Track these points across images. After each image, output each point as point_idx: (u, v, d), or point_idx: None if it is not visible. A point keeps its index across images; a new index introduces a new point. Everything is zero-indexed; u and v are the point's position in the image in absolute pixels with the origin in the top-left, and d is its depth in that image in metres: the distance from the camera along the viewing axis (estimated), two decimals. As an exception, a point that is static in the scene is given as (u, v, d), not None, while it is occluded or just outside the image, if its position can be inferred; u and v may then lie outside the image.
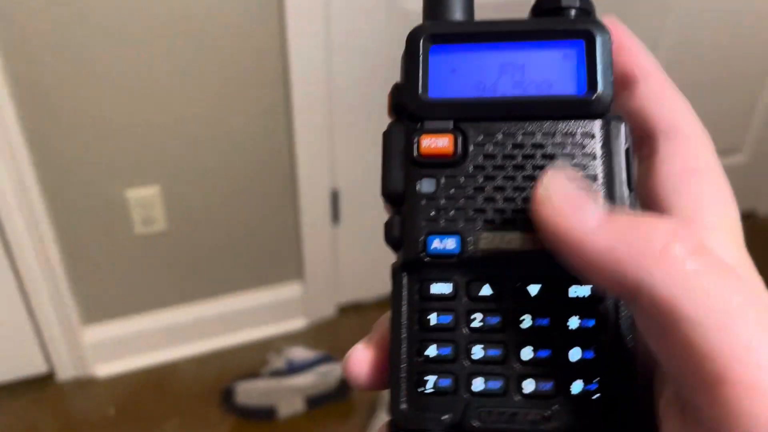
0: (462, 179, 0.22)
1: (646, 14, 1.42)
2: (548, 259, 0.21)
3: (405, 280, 0.23)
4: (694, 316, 0.17)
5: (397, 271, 0.23)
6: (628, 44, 0.23)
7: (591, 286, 0.22)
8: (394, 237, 0.23)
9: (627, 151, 0.22)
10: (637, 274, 0.17)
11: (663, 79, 0.23)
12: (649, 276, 0.17)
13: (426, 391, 0.22)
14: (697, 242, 0.18)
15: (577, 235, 0.19)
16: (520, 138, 0.22)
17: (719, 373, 0.16)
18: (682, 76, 1.41)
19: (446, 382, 0.22)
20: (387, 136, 0.24)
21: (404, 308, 0.23)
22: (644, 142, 0.23)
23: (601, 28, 0.23)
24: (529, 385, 0.21)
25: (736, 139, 1.68)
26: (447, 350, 0.22)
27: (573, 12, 0.23)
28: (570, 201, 0.19)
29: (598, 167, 0.22)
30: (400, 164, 0.23)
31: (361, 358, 0.23)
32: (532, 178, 0.22)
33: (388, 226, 0.23)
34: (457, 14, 0.24)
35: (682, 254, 0.17)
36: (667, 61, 1.59)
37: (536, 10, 0.24)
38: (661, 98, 0.23)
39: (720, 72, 1.57)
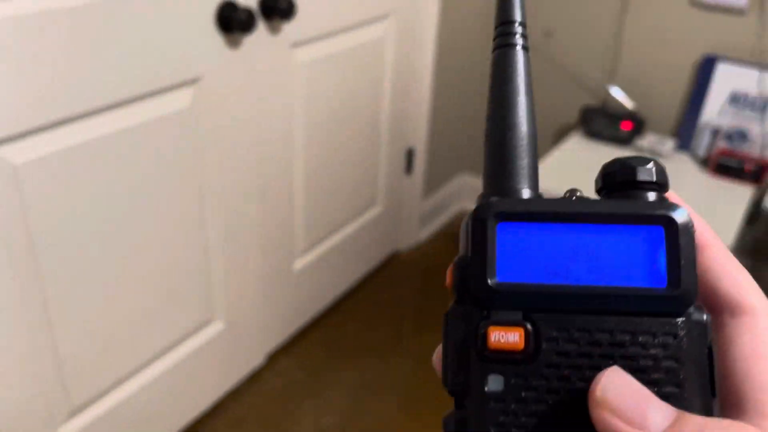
0: (534, 380, 0.20)
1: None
2: None
3: None
4: None
5: None
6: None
7: None
8: None
9: (709, 350, 0.20)
10: None
11: (723, 250, 0.22)
12: None
13: None
14: None
15: None
16: (597, 335, 0.20)
17: None
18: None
19: None
20: (448, 321, 0.21)
21: None
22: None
23: (683, 214, 0.21)
24: None
25: (373, 193, 1.75)
26: None
27: (648, 189, 0.22)
28: (632, 404, 0.18)
29: (681, 372, 0.20)
30: (464, 355, 0.21)
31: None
32: None
33: (449, 422, 0.21)
34: (522, 184, 0.23)
35: None
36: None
37: (606, 180, 0.22)
38: (723, 271, 0.22)
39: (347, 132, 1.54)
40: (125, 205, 1.09)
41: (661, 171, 0.22)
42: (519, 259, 0.21)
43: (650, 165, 0.22)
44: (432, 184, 2.07)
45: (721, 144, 1.73)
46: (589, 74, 1.90)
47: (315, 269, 1.66)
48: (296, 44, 1.34)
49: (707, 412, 0.20)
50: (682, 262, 0.20)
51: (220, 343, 1.41)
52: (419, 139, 1.91)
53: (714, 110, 1.73)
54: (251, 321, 1.50)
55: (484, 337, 0.20)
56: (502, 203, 0.22)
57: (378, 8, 1.56)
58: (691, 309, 0.20)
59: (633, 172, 0.21)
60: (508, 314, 0.21)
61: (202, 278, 1.31)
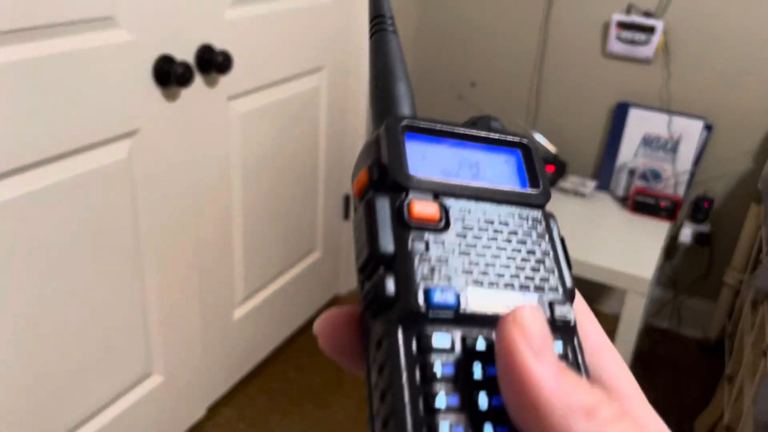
0: (448, 243, 0.25)
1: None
2: None
3: (400, 334, 0.24)
4: None
5: (391, 326, 0.24)
6: None
7: (558, 342, 0.24)
8: (386, 295, 0.24)
9: (562, 239, 0.27)
10: (565, 422, 0.20)
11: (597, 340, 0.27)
12: (575, 427, 0.20)
13: None
14: (619, 409, 0.21)
15: (536, 376, 0.21)
16: (489, 215, 0.26)
17: None
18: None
19: (459, 430, 0.23)
20: (371, 203, 0.26)
21: (402, 362, 0.23)
22: None
23: (532, 142, 0.29)
24: None
25: (312, 240, 1.83)
26: (455, 400, 0.23)
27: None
28: (540, 335, 0.21)
29: (548, 246, 0.26)
30: (389, 228, 0.25)
31: (334, 314, 0.26)
32: (504, 249, 0.26)
33: (378, 285, 0.24)
34: (406, 109, 0.30)
35: (608, 416, 0.20)
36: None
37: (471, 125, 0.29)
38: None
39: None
40: (60, 258, 1.08)
41: (503, 127, 0.30)
42: (423, 161, 0.27)
43: (497, 122, 0.30)
44: (369, 228, 2.11)
45: (638, 183, 1.84)
46: (512, 121, 2.00)
47: (255, 317, 1.66)
48: (232, 96, 1.37)
49: (570, 278, 0.26)
50: (539, 171, 0.28)
51: (159, 397, 1.39)
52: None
53: (629, 152, 1.86)
54: (191, 373, 1.48)
55: (409, 208, 0.25)
56: (408, 120, 0.27)
57: (312, 61, 1.61)
58: (546, 209, 0.27)
59: (487, 123, 0.29)
60: (423, 194, 0.26)
61: (140, 330, 1.30)
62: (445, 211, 0.26)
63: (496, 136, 0.29)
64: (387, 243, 0.25)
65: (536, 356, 0.21)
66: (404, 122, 0.27)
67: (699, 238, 1.87)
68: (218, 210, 1.43)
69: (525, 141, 0.29)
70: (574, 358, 0.25)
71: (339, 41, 1.70)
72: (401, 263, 0.24)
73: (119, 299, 1.22)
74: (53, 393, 1.13)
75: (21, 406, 1.08)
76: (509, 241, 0.26)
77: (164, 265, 1.30)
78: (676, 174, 1.81)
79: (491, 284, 0.25)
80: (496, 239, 0.26)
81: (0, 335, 1.01)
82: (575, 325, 0.25)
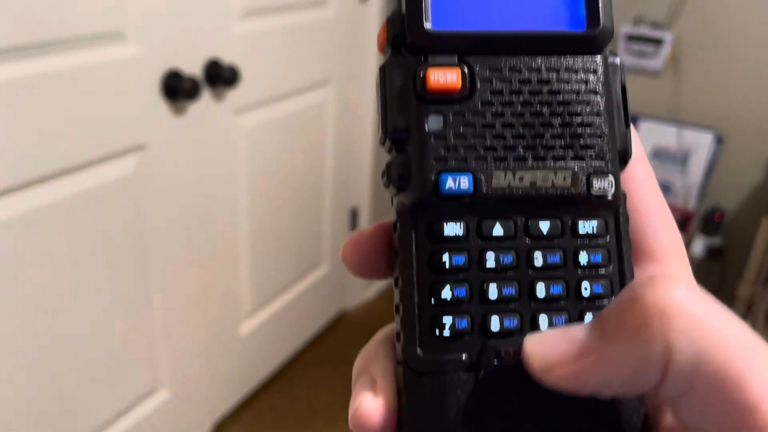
0: (471, 116, 0.22)
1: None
2: (558, 197, 0.22)
3: (413, 222, 0.22)
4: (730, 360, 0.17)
5: (403, 213, 0.22)
6: None
7: (597, 220, 0.22)
8: (398, 177, 0.22)
9: (623, 87, 0.23)
10: (664, 335, 0.18)
11: (654, 209, 0.24)
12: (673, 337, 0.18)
13: (444, 334, 0.21)
14: (690, 289, 0.18)
15: (590, 367, 0.19)
16: (526, 73, 0.22)
17: (754, 403, 0.17)
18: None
19: (463, 324, 0.21)
20: (386, 71, 0.22)
21: (413, 251, 0.22)
22: None
23: None
24: (543, 321, 0.22)
25: (319, 254, 1.83)
26: (462, 291, 0.21)
27: None
28: (563, 347, 0.19)
29: (600, 103, 0.22)
30: (404, 101, 0.22)
31: (373, 408, 0.22)
32: (540, 114, 0.22)
33: (391, 167, 0.22)
34: None
35: (694, 304, 0.18)
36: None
37: None
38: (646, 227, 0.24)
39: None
40: (67, 273, 1.07)
41: None
42: (452, 7, 0.22)
43: None
44: (376, 242, 2.10)
45: (648, 196, 1.83)
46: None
47: (261, 333, 1.65)
48: (240, 110, 1.37)
49: (623, 139, 0.23)
50: (601, 4, 0.22)
51: (165, 413, 1.37)
52: (363, 199, 1.95)
53: (639, 165, 1.84)
54: (197, 388, 1.47)
55: (424, 79, 0.22)
56: None
57: (319, 75, 1.61)
58: (607, 51, 0.23)
59: None
60: (445, 58, 0.22)
61: (147, 345, 1.29)
62: (470, 75, 0.22)
63: None
64: (399, 120, 0.22)
65: (574, 361, 0.19)
66: None
67: (710, 251, 1.85)
68: (225, 224, 1.42)
69: None
70: (612, 239, 0.22)
71: (346, 55, 1.70)
72: (414, 144, 0.22)
73: (125, 314, 1.21)
74: (59, 408, 1.12)
75: (27, 421, 1.07)
76: (548, 103, 0.22)
77: (171, 279, 1.29)
78: (686, 186, 1.80)
79: (519, 159, 0.22)
80: (530, 103, 0.22)
81: (6, 350, 1.00)
82: (618, 198, 0.22)
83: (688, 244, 1.86)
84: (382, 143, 0.23)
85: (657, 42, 1.74)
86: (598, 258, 0.22)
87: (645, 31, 1.75)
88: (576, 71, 0.22)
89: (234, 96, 1.33)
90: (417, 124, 0.22)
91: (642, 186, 0.24)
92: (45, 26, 0.94)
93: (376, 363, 0.23)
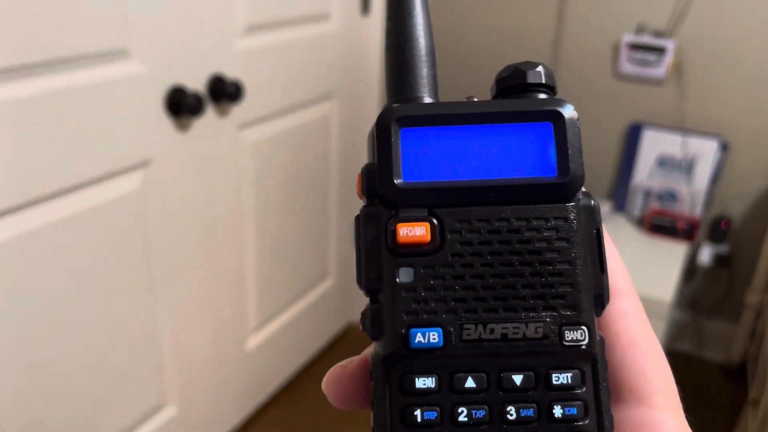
0: (441, 268, 0.22)
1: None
2: (530, 348, 0.21)
3: (386, 374, 0.22)
4: None
5: (377, 364, 0.22)
6: None
7: (573, 371, 0.22)
8: (371, 327, 0.22)
9: (597, 232, 0.23)
10: None
11: (635, 329, 0.24)
12: None
13: None
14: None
15: None
16: (495, 223, 0.22)
17: None
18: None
19: None
20: (360, 222, 0.23)
21: (387, 404, 0.22)
22: None
23: (569, 108, 0.23)
24: None
25: (325, 266, 1.83)
26: None
27: (539, 91, 0.24)
28: None
29: (572, 251, 0.22)
30: (376, 253, 0.22)
31: (339, 372, 0.24)
32: (510, 264, 0.22)
33: (366, 316, 0.23)
34: (423, 92, 0.25)
35: None
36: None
37: (500, 85, 0.25)
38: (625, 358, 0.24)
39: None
40: (73, 290, 1.07)
41: (549, 74, 0.24)
42: (422, 160, 0.23)
43: (539, 68, 0.24)
44: (382, 254, 2.10)
45: (654, 204, 1.82)
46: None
47: (269, 347, 1.65)
48: (244, 125, 1.37)
49: (598, 285, 0.22)
50: (570, 152, 0.22)
51: (172, 430, 1.37)
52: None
53: (644, 173, 1.84)
54: (205, 404, 1.46)
55: (394, 233, 0.22)
56: (403, 108, 0.23)
57: (322, 89, 1.62)
58: (580, 195, 0.23)
59: (523, 75, 0.24)
60: (415, 211, 0.22)
61: (153, 362, 1.28)
62: (439, 227, 0.22)
63: (520, 107, 0.23)
64: (371, 273, 0.22)
65: None
66: (399, 114, 0.23)
67: (718, 259, 1.84)
68: (230, 238, 1.42)
69: (559, 108, 0.23)
70: (590, 389, 0.22)
71: (349, 68, 1.70)
72: (385, 297, 0.22)
73: (132, 330, 1.21)
74: (66, 426, 1.12)
75: (34, 441, 1.07)
76: (517, 252, 0.22)
77: (177, 294, 1.29)
78: (692, 194, 1.79)
79: (489, 311, 0.22)
80: (500, 253, 0.22)
81: (12, 368, 1.00)
82: (593, 347, 0.22)
83: (694, 253, 1.85)
84: (360, 287, 0.23)
85: (659, 50, 1.74)
86: (573, 411, 0.22)
87: (647, 39, 1.75)
88: (546, 219, 0.22)
89: (238, 111, 1.33)
90: (388, 276, 0.22)
91: (628, 321, 0.23)
92: (49, 45, 0.95)
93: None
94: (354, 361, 0.25)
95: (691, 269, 1.90)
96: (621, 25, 1.80)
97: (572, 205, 0.22)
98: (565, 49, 1.89)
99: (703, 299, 1.96)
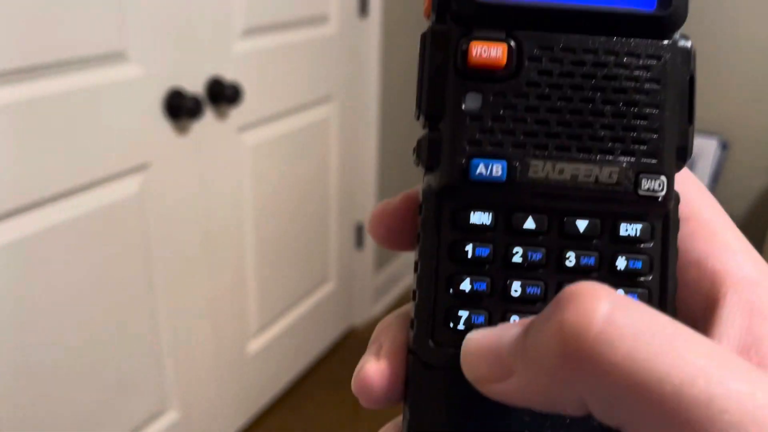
0: (513, 98, 0.20)
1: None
2: (600, 193, 0.20)
3: (439, 207, 0.20)
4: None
5: (429, 196, 0.20)
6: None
7: (643, 223, 0.20)
8: (427, 157, 0.20)
9: (691, 78, 0.20)
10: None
11: (712, 225, 0.21)
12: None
13: (458, 328, 0.20)
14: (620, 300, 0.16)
15: (512, 392, 0.17)
16: (581, 54, 0.20)
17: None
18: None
19: (480, 320, 0.20)
20: (426, 40, 0.21)
21: (436, 237, 0.20)
22: None
23: None
24: None
25: (325, 270, 1.82)
26: (482, 285, 0.20)
27: None
28: (487, 361, 0.18)
29: (661, 94, 0.20)
30: (442, 75, 0.20)
31: (374, 370, 0.21)
32: (591, 101, 0.20)
33: (421, 144, 0.21)
34: None
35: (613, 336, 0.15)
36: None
37: None
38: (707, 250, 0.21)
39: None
40: (73, 294, 1.07)
41: None
42: None
43: None
44: (384, 257, 2.09)
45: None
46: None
47: (269, 351, 1.64)
48: (243, 128, 1.37)
49: (683, 136, 0.20)
50: None
51: (174, 435, 1.36)
52: (368, 214, 1.94)
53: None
54: (206, 409, 1.45)
55: (465, 52, 0.20)
56: None
57: (321, 91, 1.62)
58: (677, 35, 0.20)
59: None
60: (492, 32, 0.20)
61: (154, 366, 1.28)
62: (517, 51, 0.20)
63: None
64: (435, 95, 0.20)
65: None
66: None
67: (720, 258, 1.83)
68: (230, 242, 1.42)
69: None
70: (657, 246, 0.20)
71: (348, 70, 1.70)
72: (448, 123, 0.20)
73: (132, 335, 1.21)
74: (65, 431, 1.11)
75: (34, 447, 1.06)
76: (601, 89, 0.20)
77: (177, 299, 1.29)
78: (693, 193, 1.79)
79: (561, 149, 0.20)
80: (582, 88, 0.20)
81: (12, 373, 1.00)
82: (668, 201, 0.20)
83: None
84: (417, 118, 0.21)
85: (658, 50, 1.74)
86: (638, 265, 0.20)
87: (646, 39, 1.76)
88: (638, 56, 0.20)
89: (237, 114, 1.33)
90: (453, 102, 0.20)
91: (695, 197, 0.21)
92: (47, 48, 0.94)
93: (387, 333, 0.22)
94: (397, 198, 0.23)
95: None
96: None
97: (669, 44, 0.20)
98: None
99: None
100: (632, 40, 0.20)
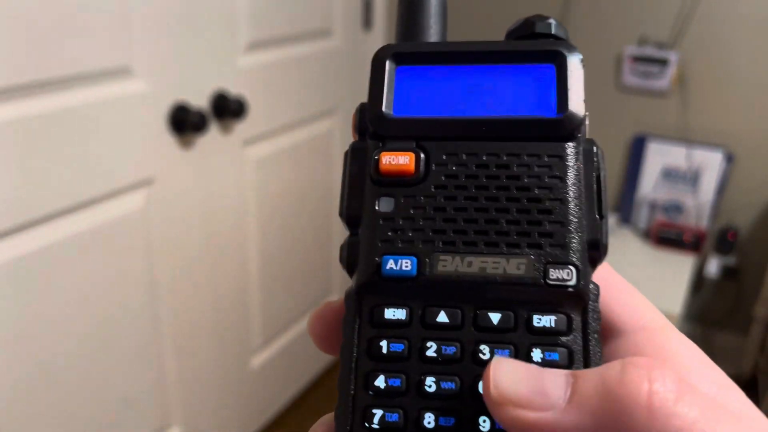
0: (422, 198, 0.21)
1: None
2: (511, 285, 0.20)
3: (357, 305, 0.21)
4: None
5: (349, 296, 0.21)
6: None
7: (557, 314, 0.20)
8: (347, 259, 0.22)
9: (598, 177, 0.21)
10: None
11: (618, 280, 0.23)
12: None
13: (372, 427, 0.20)
14: (675, 377, 0.17)
15: (546, 423, 0.17)
16: (484, 158, 0.21)
17: None
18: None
19: (394, 418, 0.20)
20: (348, 155, 0.23)
21: (354, 335, 0.21)
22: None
23: (573, 49, 0.22)
24: (485, 425, 0.19)
25: (329, 283, 1.77)
26: (397, 382, 0.20)
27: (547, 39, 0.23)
28: (529, 387, 0.18)
29: (566, 190, 0.20)
30: (359, 184, 0.22)
31: (323, 308, 0.23)
32: (496, 199, 0.21)
33: (343, 248, 0.22)
34: (431, 38, 0.24)
35: (670, 397, 0.16)
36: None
37: (509, 37, 0.24)
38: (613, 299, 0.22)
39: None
40: (76, 310, 1.06)
41: (559, 25, 0.23)
42: (415, 96, 0.22)
43: (550, 20, 0.23)
44: (386, 270, 2.08)
45: (659, 216, 1.81)
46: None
47: (273, 365, 1.63)
48: (247, 142, 1.36)
49: (593, 229, 0.21)
50: (569, 90, 0.21)
51: (177, 451, 1.35)
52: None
53: (649, 185, 1.83)
54: (210, 424, 1.44)
55: (377, 162, 0.22)
56: (401, 45, 0.23)
57: (325, 104, 1.61)
58: (581, 138, 0.21)
59: (532, 25, 0.23)
60: (402, 143, 0.22)
61: (157, 382, 1.27)
62: (424, 158, 0.21)
63: (523, 47, 0.22)
64: (352, 203, 0.22)
65: (529, 406, 0.17)
66: (396, 49, 0.22)
67: (726, 271, 1.82)
68: (234, 256, 1.41)
69: (562, 48, 0.22)
70: (577, 338, 0.20)
71: (352, 83, 1.70)
72: (363, 225, 0.22)
73: (135, 350, 1.20)
74: None
75: (36, 465, 1.05)
76: (505, 188, 0.21)
77: (180, 313, 1.28)
78: (698, 206, 1.78)
79: (468, 244, 0.20)
80: (486, 188, 0.21)
81: (15, 389, 0.99)
82: (584, 292, 0.20)
83: (702, 265, 1.83)
84: (341, 219, 0.23)
85: (662, 62, 1.74)
86: (555, 356, 0.20)
87: (650, 51, 1.75)
88: (539, 156, 0.21)
89: (241, 128, 1.32)
90: (368, 206, 0.22)
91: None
92: (52, 64, 0.94)
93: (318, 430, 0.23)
94: (338, 301, 0.24)
95: (698, 281, 1.89)
96: (623, 37, 1.80)
97: (569, 145, 0.21)
98: (568, 62, 1.88)
99: (711, 312, 1.94)
100: (533, 143, 0.21)
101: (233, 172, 1.35)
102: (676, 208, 1.80)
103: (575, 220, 0.20)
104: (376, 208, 0.21)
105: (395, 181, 0.21)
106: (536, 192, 0.21)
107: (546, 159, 0.21)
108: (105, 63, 1.02)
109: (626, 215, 1.87)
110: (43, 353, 1.02)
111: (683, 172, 1.79)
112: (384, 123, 0.22)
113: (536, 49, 0.22)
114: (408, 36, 0.24)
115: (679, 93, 1.78)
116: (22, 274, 0.96)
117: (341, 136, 1.70)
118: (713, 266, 1.81)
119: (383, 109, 0.22)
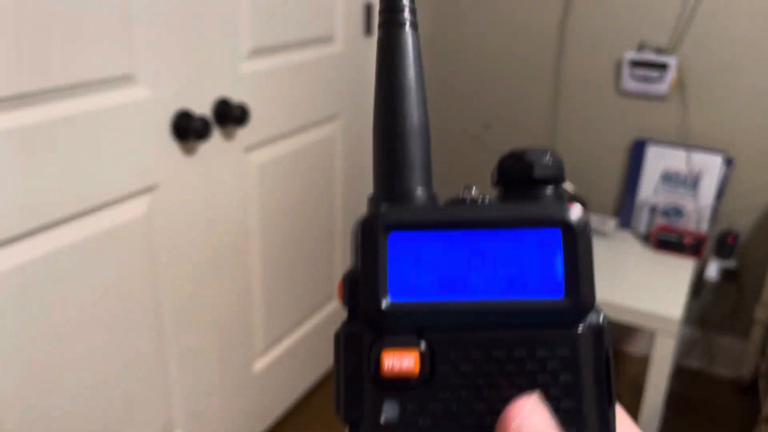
0: (431, 405, 0.19)
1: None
2: None
3: None
4: None
5: None
6: None
7: None
8: None
9: (606, 359, 0.20)
10: None
11: None
12: None
13: None
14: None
15: None
16: (495, 352, 0.20)
17: None
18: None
19: None
20: (340, 342, 0.20)
21: None
22: None
23: (577, 212, 0.21)
24: None
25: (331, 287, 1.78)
26: None
27: (545, 184, 0.21)
28: None
29: (577, 385, 0.20)
30: (357, 382, 0.20)
31: None
32: (505, 399, 0.20)
33: None
34: (415, 182, 0.22)
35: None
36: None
37: (503, 175, 0.21)
38: None
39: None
40: (80, 315, 1.07)
41: (556, 164, 0.22)
42: (412, 273, 0.20)
43: (546, 160, 0.21)
44: (388, 274, 2.09)
45: (660, 220, 1.82)
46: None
47: (276, 369, 1.64)
48: (250, 148, 1.38)
49: (604, 423, 0.20)
50: (580, 268, 0.20)
51: (180, 455, 1.36)
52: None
53: (649, 189, 1.84)
54: (212, 428, 1.45)
55: (378, 363, 0.19)
56: (393, 213, 0.21)
57: (327, 110, 1.63)
58: (591, 317, 0.20)
59: (530, 168, 0.21)
60: (402, 337, 0.20)
61: (160, 387, 1.28)
62: (429, 355, 0.20)
63: (524, 212, 0.20)
64: (352, 404, 0.20)
65: None
66: (388, 221, 0.20)
67: (726, 274, 1.83)
68: (237, 261, 1.42)
69: (568, 215, 0.20)
70: None
71: (353, 89, 1.71)
72: None
73: (138, 354, 1.21)
74: None
75: (42, 469, 1.06)
76: (518, 387, 0.20)
77: (183, 318, 1.29)
78: (698, 210, 1.79)
79: None
80: (500, 387, 0.19)
81: (18, 395, 1.00)
82: None
83: (702, 268, 1.84)
84: (337, 416, 0.21)
85: (662, 67, 1.75)
86: None
87: (649, 56, 1.76)
88: (551, 347, 0.20)
89: (244, 134, 1.34)
90: (370, 413, 0.20)
91: None
92: (56, 72, 0.95)
93: None
94: None
95: (699, 285, 1.89)
96: (622, 42, 1.81)
97: (580, 333, 0.20)
98: (568, 67, 1.90)
99: (712, 315, 1.95)
100: (545, 331, 0.20)
101: (236, 179, 1.36)
102: (676, 211, 1.81)
103: (587, 412, 0.20)
104: (381, 418, 0.20)
105: (399, 384, 0.20)
106: (551, 392, 0.20)
107: (558, 351, 0.20)
108: (108, 71, 1.03)
109: (626, 219, 1.88)
110: (47, 358, 1.03)
111: (683, 176, 1.79)
112: (383, 315, 0.20)
113: (540, 217, 0.20)
114: (390, 178, 0.22)
115: (679, 97, 1.78)
116: (27, 281, 0.97)
117: (343, 141, 1.72)
118: (713, 270, 1.82)
119: (380, 297, 0.20)
